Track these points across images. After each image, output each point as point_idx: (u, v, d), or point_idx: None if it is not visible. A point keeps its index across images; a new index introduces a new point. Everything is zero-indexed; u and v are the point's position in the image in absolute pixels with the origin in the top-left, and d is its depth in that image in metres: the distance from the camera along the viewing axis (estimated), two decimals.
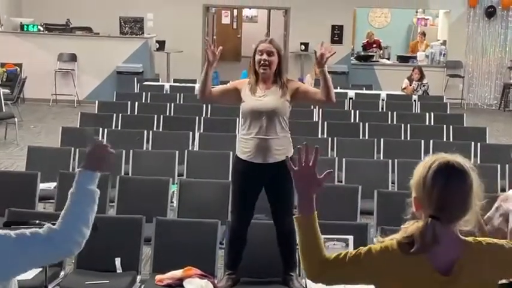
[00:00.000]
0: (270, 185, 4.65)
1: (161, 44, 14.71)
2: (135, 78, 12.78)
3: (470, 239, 2.23)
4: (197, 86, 11.78)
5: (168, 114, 9.20)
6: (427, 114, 9.54)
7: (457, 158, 2.22)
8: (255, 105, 4.58)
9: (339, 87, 12.23)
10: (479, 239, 2.25)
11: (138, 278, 4.56)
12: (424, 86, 12.31)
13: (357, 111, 9.48)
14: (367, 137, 8.24)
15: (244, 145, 4.65)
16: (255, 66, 4.62)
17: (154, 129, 8.23)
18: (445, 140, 8.28)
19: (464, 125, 9.40)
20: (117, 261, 4.57)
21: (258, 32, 23.39)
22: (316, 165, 2.30)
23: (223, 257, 4.83)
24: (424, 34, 17.94)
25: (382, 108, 10.39)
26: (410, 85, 12.37)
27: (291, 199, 4.68)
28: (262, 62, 4.58)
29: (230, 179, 6.48)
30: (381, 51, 17.43)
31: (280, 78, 4.66)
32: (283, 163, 4.58)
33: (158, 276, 4.41)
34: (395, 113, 9.47)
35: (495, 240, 2.26)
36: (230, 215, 4.92)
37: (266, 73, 4.59)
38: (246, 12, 24.22)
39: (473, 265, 2.17)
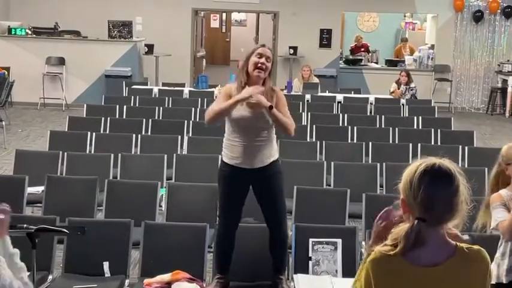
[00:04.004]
0: (259, 188, 4.64)
1: (150, 48, 14.70)
2: (124, 82, 12.76)
3: (462, 245, 2.24)
4: (186, 90, 11.82)
5: (156, 118, 9.19)
6: (415, 117, 9.58)
7: (445, 162, 2.25)
8: (244, 113, 4.57)
9: (327, 91, 12.28)
10: (468, 245, 2.25)
11: (127, 281, 4.55)
12: (412, 89, 12.36)
13: (345, 115, 9.51)
14: (355, 141, 8.26)
15: (231, 150, 4.63)
16: (249, 68, 4.60)
17: (143, 133, 8.22)
18: (433, 143, 8.31)
19: (452, 128, 9.45)
20: (106, 265, 4.56)
21: (247, 36, 23.46)
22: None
23: (212, 261, 4.83)
24: (406, 40, 18.04)
25: (371, 112, 10.42)
26: (399, 89, 12.42)
27: (282, 198, 4.68)
28: (259, 64, 4.56)
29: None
30: (369, 55, 17.49)
31: (267, 84, 4.63)
32: (270, 165, 4.61)
33: (146, 280, 4.40)
34: (383, 116, 9.51)
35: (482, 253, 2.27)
36: (217, 219, 4.91)
37: (260, 76, 4.58)
38: (235, 16, 24.24)
39: (459, 269, 2.19)
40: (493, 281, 3.69)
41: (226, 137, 4.69)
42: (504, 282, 3.69)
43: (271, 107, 4.49)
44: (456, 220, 2.22)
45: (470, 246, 2.25)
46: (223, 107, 4.52)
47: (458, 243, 2.24)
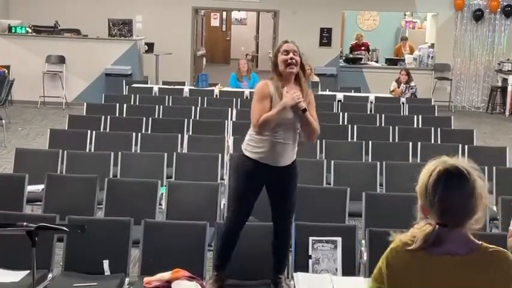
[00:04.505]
0: (274, 185, 4.62)
1: (150, 46, 14.70)
2: (124, 81, 12.75)
3: (486, 245, 2.23)
4: (186, 88, 11.81)
5: (156, 116, 9.19)
6: (415, 116, 9.58)
7: (457, 162, 2.23)
8: (286, 114, 4.50)
9: (327, 90, 12.28)
10: (493, 246, 2.24)
11: (127, 280, 4.55)
12: (412, 88, 12.36)
13: (345, 114, 9.51)
14: (355, 140, 8.26)
15: (257, 145, 4.56)
16: (280, 67, 4.57)
17: (143, 131, 8.22)
18: (432, 142, 8.31)
19: (452, 127, 9.44)
20: (105, 263, 4.56)
21: (247, 35, 23.47)
22: None
23: (212, 259, 4.83)
24: (405, 39, 18.04)
25: (371, 111, 10.42)
26: (399, 88, 12.42)
27: (294, 199, 4.68)
28: (289, 61, 4.54)
29: (227, 177, 6.45)
30: (369, 53, 17.49)
31: (300, 80, 4.63)
32: (291, 165, 4.60)
33: (146, 279, 4.40)
34: (383, 115, 9.50)
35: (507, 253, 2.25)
36: (227, 213, 4.86)
37: (293, 72, 4.55)
38: (235, 14, 24.23)
39: (479, 266, 2.19)
40: None
41: (251, 132, 4.63)
42: None
43: (304, 110, 4.46)
44: (477, 215, 2.19)
45: (494, 247, 2.23)
46: (273, 116, 4.45)
47: (483, 243, 2.23)
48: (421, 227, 2.22)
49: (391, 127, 8.63)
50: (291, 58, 4.52)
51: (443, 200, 2.16)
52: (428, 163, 2.27)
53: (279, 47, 4.62)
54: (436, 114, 10.47)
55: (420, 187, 2.23)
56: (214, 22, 24.11)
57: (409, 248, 2.20)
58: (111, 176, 6.39)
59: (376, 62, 17.28)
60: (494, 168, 6.59)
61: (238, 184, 4.67)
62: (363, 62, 16.36)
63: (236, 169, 4.71)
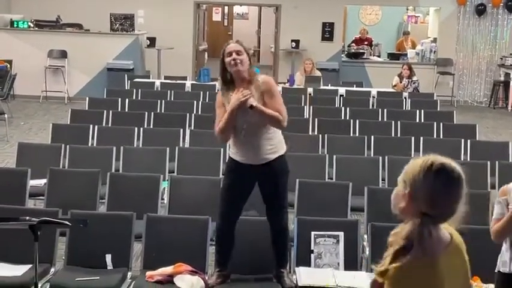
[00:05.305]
0: (264, 183, 4.63)
1: (152, 41, 14.68)
2: (126, 75, 12.75)
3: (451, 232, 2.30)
4: (188, 83, 11.81)
5: (158, 111, 9.19)
6: (418, 111, 9.56)
7: (453, 163, 2.27)
8: (238, 116, 4.49)
9: (329, 84, 12.27)
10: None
11: (129, 274, 4.56)
12: (414, 83, 12.34)
13: (348, 109, 9.49)
14: (357, 134, 8.25)
15: (234, 146, 4.62)
16: (228, 69, 4.58)
17: (145, 126, 8.22)
18: (435, 137, 8.30)
19: (454, 122, 9.43)
20: (108, 257, 4.57)
21: (249, 29, 23.43)
22: None
23: (214, 254, 4.84)
24: (407, 33, 18.01)
25: (373, 106, 10.41)
26: (401, 82, 12.40)
27: (286, 195, 4.68)
28: (232, 62, 4.55)
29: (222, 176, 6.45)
30: (372, 48, 17.46)
31: (251, 76, 4.59)
32: (275, 161, 4.59)
33: (149, 273, 4.41)
34: (385, 110, 9.49)
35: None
36: (218, 213, 4.89)
37: (240, 70, 4.54)
38: (237, 9, 24.19)
39: (455, 256, 2.28)
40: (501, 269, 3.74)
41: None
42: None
43: (251, 107, 4.43)
44: (456, 216, 2.26)
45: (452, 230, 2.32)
46: (226, 123, 4.49)
47: (450, 232, 2.30)
48: (406, 230, 2.22)
49: (393, 122, 8.63)
50: (234, 59, 4.53)
51: (438, 195, 2.21)
52: (417, 157, 2.31)
53: (223, 50, 4.65)
54: (438, 109, 10.45)
55: (409, 177, 2.26)
56: (216, 17, 24.06)
57: (410, 258, 2.18)
58: (113, 171, 6.39)
59: (379, 56, 17.25)
60: (496, 162, 6.59)
61: (226, 184, 4.71)
62: (365, 56, 16.34)
63: (225, 169, 4.76)
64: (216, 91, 11.10)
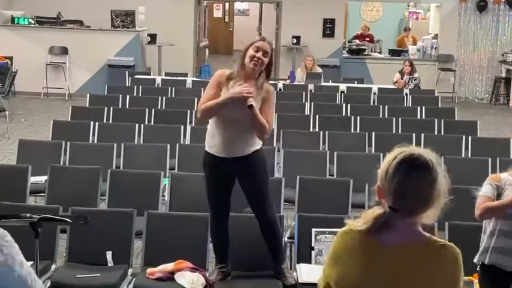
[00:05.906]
0: (242, 177, 4.59)
1: (153, 38, 14.67)
2: (127, 72, 12.73)
3: (436, 238, 2.20)
4: (189, 79, 11.81)
5: (159, 107, 9.18)
6: (419, 107, 9.56)
7: (425, 153, 2.20)
8: (228, 109, 4.47)
9: (330, 81, 12.26)
10: (443, 241, 2.21)
11: (130, 271, 4.56)
12: (415, 79, 12.33)
13: (349, 105, 9.48)
14: (358, 131, 8.25)
15: (212, 138, 4.57)
16: (245, 59, 4.55)
17: (146, 122, 8.21)
18: (436, 133, 8.30)
19: (456, 118, 9.43)
20: (109, 254, 4.57)
21: (250, 26, 23.41)
22: None
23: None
24: (408, 29, 17.99)
25: (374, 102, 10.40)
26: (402, 79, 12.39)
27: (266, 189, 4.62)
28: (255, 58, 4.51)
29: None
30: (373, 45, 17.44)
31: (260, 79, 4.57)
32: (251, 155, 4.56)
33: (149, 270, 4.41)
34: (386, 106, 9.49)
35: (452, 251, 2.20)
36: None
37: (255, 69, 4.53)
38: (238, 5, 24.18)
39: (424, 258, 2.14)
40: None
41: (209, 126, 4.63)
42: (486, 262, 3.72)
43: (250, 107, 4.41)
44: (432, 211, 2.16)
45: (443, 241, 2.20)
46: (216, 105, 4.44)
47: (432, 236, 2.21)
48: (373, 211, 2.21)
49: (394, 118, 8.62)
50: (258, 57, 4.49)
51: (401, 183, 2.15)
52: (393, 150, 2.26)
53: (254, 41, 4.60)
54: (439, 106, 10.45)
55: (381, 169, 2.25)
56: (217, 13, 24.05)
57: (358, 228, 2.19)
58: (114, 168, 6.39)
59: (380, 53, 17.24)
60: (498, 159, 6.58)
61: (206, 180, 4.65)
62: (366, 53, 16.32)
63: (202, 165, 4.67)
64: None
